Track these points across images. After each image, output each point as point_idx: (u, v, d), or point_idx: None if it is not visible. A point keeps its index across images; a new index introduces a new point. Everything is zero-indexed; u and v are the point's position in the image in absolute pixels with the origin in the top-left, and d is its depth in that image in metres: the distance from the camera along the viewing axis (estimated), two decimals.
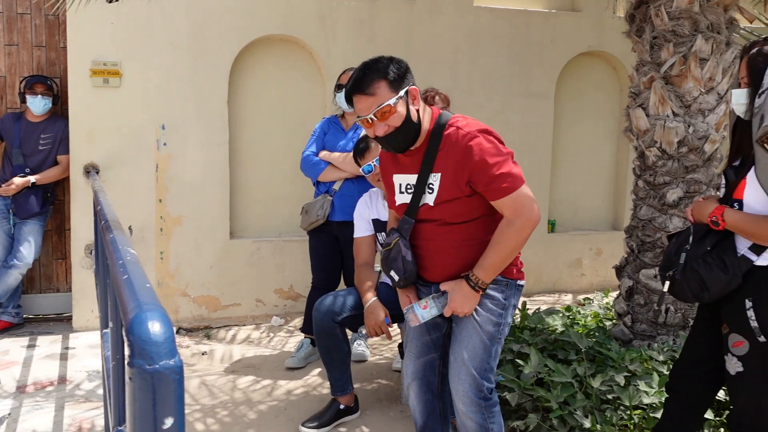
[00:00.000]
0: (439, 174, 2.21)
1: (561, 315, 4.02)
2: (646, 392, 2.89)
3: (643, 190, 3.60)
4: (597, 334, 3.65)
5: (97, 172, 4.39)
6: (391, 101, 2.10)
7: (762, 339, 2.12)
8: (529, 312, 3.99)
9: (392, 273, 2.34)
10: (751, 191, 2.15)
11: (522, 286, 2.41)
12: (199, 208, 4.70)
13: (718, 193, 2.38)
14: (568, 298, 5.54)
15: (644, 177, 3.59)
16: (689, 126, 3.41)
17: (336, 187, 3.82)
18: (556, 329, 3.75)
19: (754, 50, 2.18)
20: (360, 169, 3.62)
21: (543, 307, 4.57)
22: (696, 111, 3.43)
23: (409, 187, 2.31)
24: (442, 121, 2.21)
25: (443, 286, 2.27)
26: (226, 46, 4.65)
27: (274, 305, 4.98)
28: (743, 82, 2.20)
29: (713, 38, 3.33)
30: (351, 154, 3.73)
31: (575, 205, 5.88)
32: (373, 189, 3.37)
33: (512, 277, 2.35)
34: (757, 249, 2.15)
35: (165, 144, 4.58)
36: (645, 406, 2.88)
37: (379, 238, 3.23)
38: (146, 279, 1.23)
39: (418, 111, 2.18)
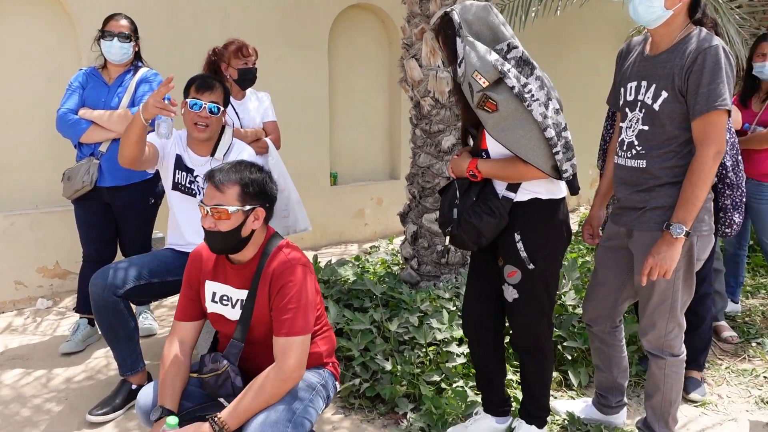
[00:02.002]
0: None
1: (351, 265, 4.12)
2: (438, 329, 3.08)
3: (421, 139, 3.77)
4: (388, 279, 3.81)
5: None
6: (231, 209, 2.11)
7: (531, 266, 2.35)
8: (321, 265, 4.02)
9: (221, 400, 2.22)
10: (491, 142, 2.35)
11: (336, 387, 2.39)
12: None
13: (468, 146, 2.54)
14: (353, 248, 5.70)
15: (421, 126, 3.76)
16: None
17: (103, 148, 3.43)
18: (348, 279, 3.83)
19: (437, 23, 2.35)
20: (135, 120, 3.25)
21: (331, 259, 4.64)
22: None
23: (225, 299, 2.24)
24: (272, 245, 2.22)
25: None
26: None
27: (39, 286, 4.42)
28: (444, 55, 2.39)
29: None
30: (119, 111, 3.37)
31: (354, 156, 6.02)
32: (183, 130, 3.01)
33: (329, 369, 2.36)
34: (513, 187, 2.34)
35: None
36: (438, 342, 3.08)
37: (177, 175, 2.96)
38: None
39: (253, 231, 2.17)
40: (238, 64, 3.48)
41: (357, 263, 4.32)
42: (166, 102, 2.58)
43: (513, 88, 2.17)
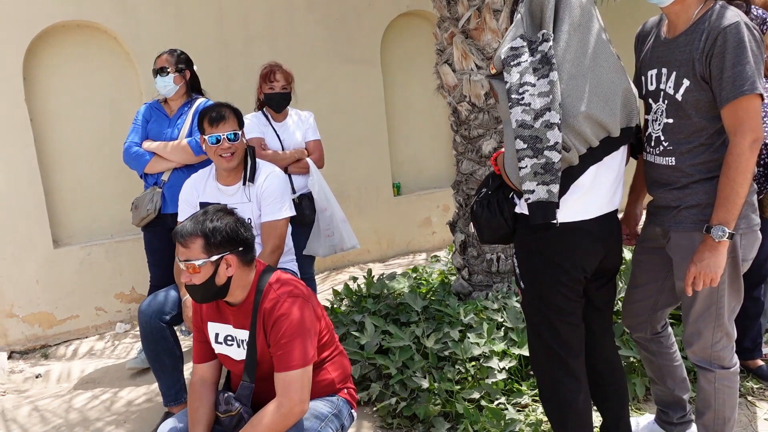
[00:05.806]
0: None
1: (407, 277, 4.05)
2: (477, 344, 2.95)
3: (461, 145, 3.66)
4: (438, 291, 3.71)
5: None
6: (197, 262, 2.09)
7: (522, 286, 2.15)
8: (374, 279, 3.99)
9: None
10: None
11: (353, 416, 2.35)
12: (9, 218, 4.28)
13: None
14: (422, 257, 5.62)
15: (460, 132, 3.64)
16: None
17: (165, 178, 3.58)
18: (403, 292, 3.77)
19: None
20: (185, 156, 3.37)
21: (399, 270, 4.59)
22: None
23: (229, 339, 2.26)
24: (264, 282, 2.19)
25: None
26: (14, 38, 4.20)
27: (117, 311, 4.68)
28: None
29: None
30: (175, 142, 3.50)
31: (417, 165, 5.94)
32: (204, 168, 3.11)
33: (343, 396, 2.32)
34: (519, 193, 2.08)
35: None
36: (479, 357, 2.95)
37: None
38: None
39: (230, 278, 2.14)
40: (265, 89, 3.54)
41: (414, 275, 4.25)
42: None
43: (506, 83, 1.95)
